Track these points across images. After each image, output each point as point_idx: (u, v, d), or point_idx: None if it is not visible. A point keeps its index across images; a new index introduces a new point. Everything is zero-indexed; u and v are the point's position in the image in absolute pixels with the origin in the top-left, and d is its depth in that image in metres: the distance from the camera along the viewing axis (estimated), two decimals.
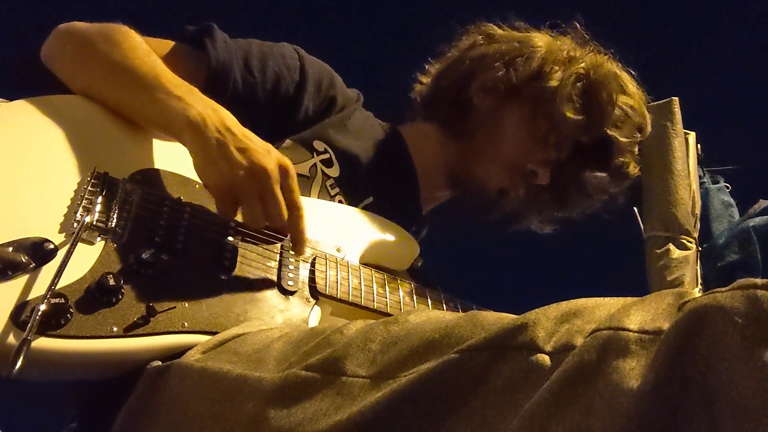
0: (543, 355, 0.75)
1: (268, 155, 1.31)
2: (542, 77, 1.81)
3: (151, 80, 1.37)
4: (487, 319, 0.86)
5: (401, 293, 1.47)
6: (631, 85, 1.88)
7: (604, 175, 1.90)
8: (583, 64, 1.82)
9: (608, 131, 1.80)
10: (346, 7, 3.38)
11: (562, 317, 0.79)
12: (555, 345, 0.76)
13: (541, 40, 1.89)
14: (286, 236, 1.39)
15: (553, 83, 1.79)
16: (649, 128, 1.88)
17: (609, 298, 0.81)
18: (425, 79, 2.05)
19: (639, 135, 1.87)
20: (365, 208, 1.72)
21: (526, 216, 2.05)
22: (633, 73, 1.92)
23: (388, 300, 1.43)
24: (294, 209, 1.34)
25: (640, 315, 0.72)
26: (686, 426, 0.63)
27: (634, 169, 1.90)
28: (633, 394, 0.65)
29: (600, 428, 0.65)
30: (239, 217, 1.33)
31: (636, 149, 1.89)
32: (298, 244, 1.37)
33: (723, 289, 0.66)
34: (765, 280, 0.64)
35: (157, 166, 1.38)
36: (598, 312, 0.78)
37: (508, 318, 0.84)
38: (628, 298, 0.78)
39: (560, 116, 1.78)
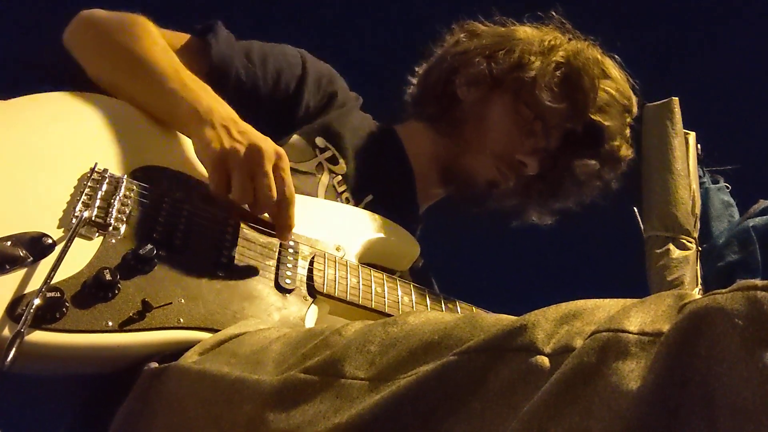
0: (542, 356, 0.75)
1: (266, 141, 1.35)
2: (522, 68, 1.84)
3: (170, 73, 1.44)
4: (486, 321, 0.86)
5: (400, 293, 1.47)
6: (614, 69, 1.91)
7: (594, 162, 1.93)
8: (562, 52, 1.86)
9: (594, 117, 1.83)
10: (344, 10, 3.39)
11: (562, 319, 0.79)
12: (554, 347, 0.75)
13: (522, 32, 1.93)
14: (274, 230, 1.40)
15: (533, 72, 1.82)
16: (635, 110, 1.90)
17: (608, 299, 0.81)
18: (415, 80, 2.09)
19: (628, 117, 1.90)
20: (366, 205, 1.73)
21: (525, 209, 2.06)
22: (617, 57, 1.95)
23: (386, 300, 1.43)
24: (283, 191, 1.34)
25: (640, 317, 0.72)
26: (686, 428, 0.62)
27: (626, 151, 1.93)
28: (632, 396, 0.65)
29: (599, 430, 0.65)
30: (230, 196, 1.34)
31: (627, 131, 1.92)
32: (283, 230, 1.37)
33: (723, 290, 0.66)
34: (765, 282, 0.64)
35: (157, 163, 1.38)
36: (597, 314, 0.77)
37: (507, 320, 0.83)
38: (628, 299, 0.78)
39: (542, 104, 1.81)
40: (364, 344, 0.93)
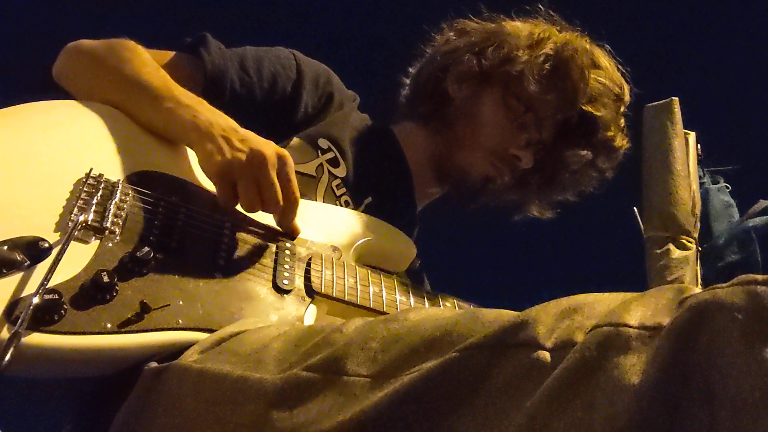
0: (544, 351, 0.75)
1: (267, 145, 1.35)
2: (511, 62, 1.85)
3: (163, 92, 1.43)
4: (487, 317, 0.85)
5: (397, 292, 1.47)
6: (604, 59, 1.92)
7: (588, 152, 1.93)
8: (551, 44, 1.87)
9: (585, 107, 1.84)
10: (340, 11, 3.40)
11: (562, 313, 0.79)
12: (555, 341, 0.75)
13: (511, 27, 1.94)
14: (281, 235, 1.41)
15: (520, 66, 1.83)
16: (627, 98, 1.92)
17: (608, 293, 0.81)
18: (408, 81, 2.11)
19: (620, 105, 1.91)
20: (366, 207, 1.73)
21: (524, 203, 2.07)
22: (606, 46, 1.96)
23: (384, 299, 1.42)
24: (289, 195, 1.36)
25: (640, 310, 0.72)
26: (687, 421, 0.62)
27: (621, 141, 1.95)
28: (634, 390, 0.65)
29: (601, 424, 0.65)
30: (238, 206, 1.35)
31: (622, 120, 1.93)
32: (289, 233, 1.41)
33: (723, 285, 0.66)
34: (765, 276, 0.64)
35: (152, 168, 1.38)
36: (597, 308, 0.77)
37: (508, 315, 0.83)
38: (628, 293, 0.78)
39: (532, 97, 1.83)
40: (366, 341, 0.93)
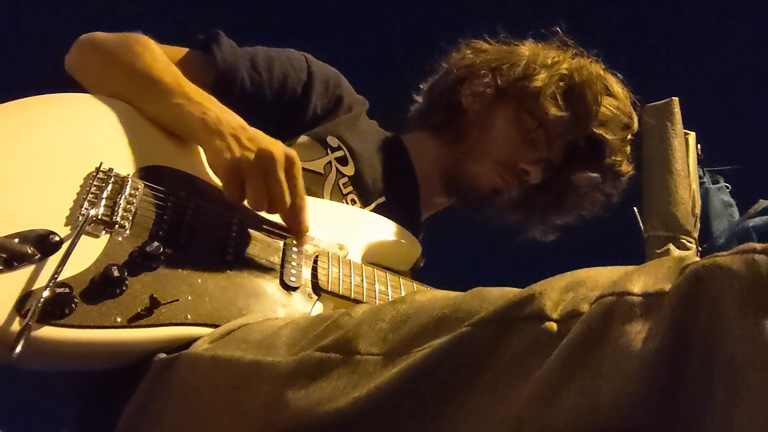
0: (551, 323, 0.77)
1: (275, 144, 1.36)
2: (527, 78, 1.88)
3: (174, 87, 1.45)
4: (493, 294, 0.87)
5: (402, 290, 1.47)
6: (616, 86, 1.95)
7: (595, 175, 1.96)
8: (566, 66, 1.90)
9: (595, 130, 1.86)
10: (353, 18, 3.41)
11: (567, 287, 0.80)
12: (562, 312, 0.77)
13: (526, 49, 1.97)
14: (289, 233, 1.41)
15: (537, 83, 1.86)
16: (636, 126, 1.94)
17: (610, 267, 0.83)
18: (421, 97, 2.13)
19: (628, 133, 1.93)
20: (378, 207, 1.74)
21: (528, 225, 2.09)
22: (619, 75, 1.99)
23: (389, 297, 1.43)
24: (296, 196, 1.36)
25: (643, 279, 0.73)
26: (690, 385, 0.64)
27: (627, 167, 1.97)
28: (640, 357, 0.66)
29: (609, 390, 0.66)
30: (246, 203, 1.35)
31: (628, 148, 1.96)
32: (297, 234, 1.40)
33: (724, 252, 0.67)
34: (764, 245, 0.66)
35: (161, 163, 1.39)
36: (601, 279, 0.79)
37: (513, 291, 0.85)
38: (629, 266, 0.79)
39: (545, 114, 1.84)
40: (376, 322, 0.94)
